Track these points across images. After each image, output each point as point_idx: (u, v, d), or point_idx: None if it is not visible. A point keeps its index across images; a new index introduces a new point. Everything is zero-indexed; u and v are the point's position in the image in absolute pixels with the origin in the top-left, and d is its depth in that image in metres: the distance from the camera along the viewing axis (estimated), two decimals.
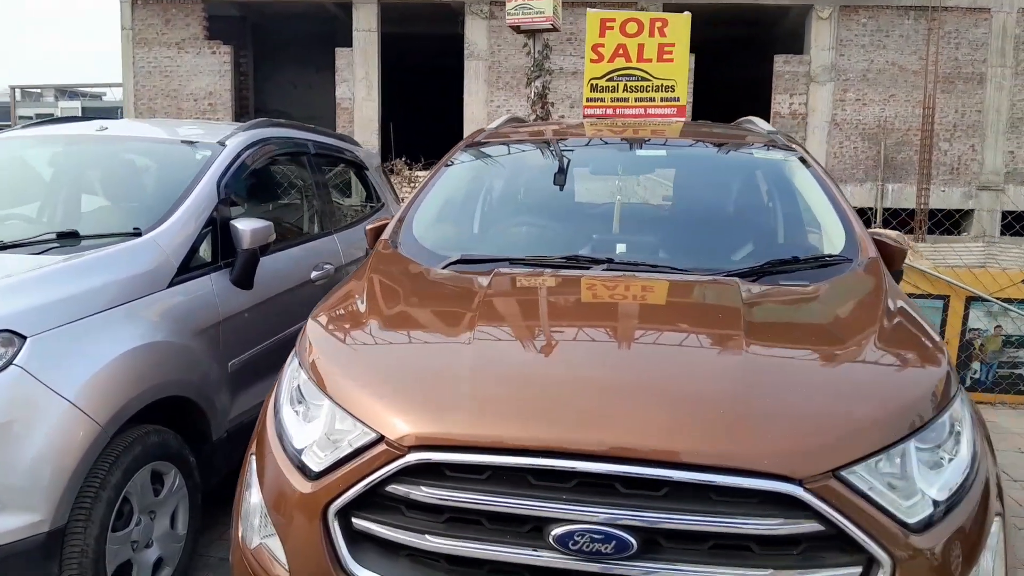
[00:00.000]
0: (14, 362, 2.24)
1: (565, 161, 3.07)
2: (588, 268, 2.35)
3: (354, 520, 1.63)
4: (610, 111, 4.12)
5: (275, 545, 1.73)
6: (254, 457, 1.95)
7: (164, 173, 3.44)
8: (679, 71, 4.06)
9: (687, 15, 4.16)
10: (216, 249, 3.19)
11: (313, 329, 2.04)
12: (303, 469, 1.72)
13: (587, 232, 2.72)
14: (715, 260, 2.48)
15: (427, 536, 1.57)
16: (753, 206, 2.96)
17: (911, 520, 1.53)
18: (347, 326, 2.04)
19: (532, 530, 1.53)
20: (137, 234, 2.93)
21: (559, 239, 2.69)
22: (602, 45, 4.08)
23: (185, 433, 2.86)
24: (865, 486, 1.51)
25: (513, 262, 2.42)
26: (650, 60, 4.03)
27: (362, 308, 2.10)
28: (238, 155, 3.49)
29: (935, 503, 1.59)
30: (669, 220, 2.93)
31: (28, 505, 2.21)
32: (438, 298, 2.22)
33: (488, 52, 18.50)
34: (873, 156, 16.71)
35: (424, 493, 1.57)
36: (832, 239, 2.62)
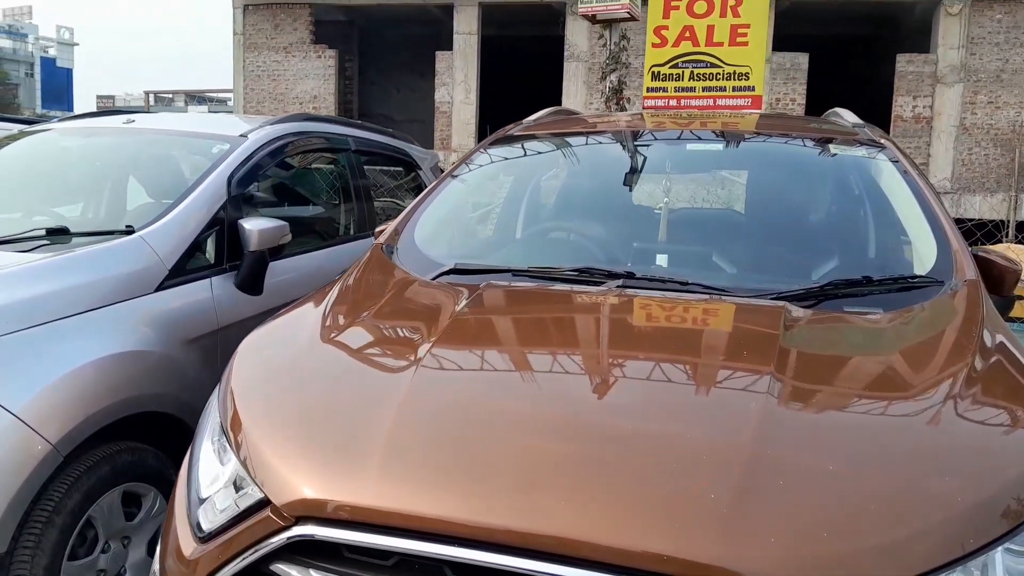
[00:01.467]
0: None
1: (603, 158, 2.64)
2: (600, 284, 1.91)
3: None
4: (673, 102, 3.61)
5: None
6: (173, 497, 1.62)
7: (175, 167, 3.22)
8: (755, 56, 3.50)
9: None
10: (222, 250, 2.94)
11: (244, 350, 1.71)
12: (196, 525, 1.38)
13: (611, 240, 2.27)
14: (765, 278, 1.99)
15: None
16: (824, 213, 2.44)
17: None
18: (281, 349, 1.70)
19: None
20: (129, 232, 2.70)
21: (579, 248, 2.26)
22: (666, 28, 3.57)
23: (169, 451, 2.61)
24: None
25: (516, 274, 2.02)
26: (721, 44, 3.49)
27: (308, 327, 1.75)
28: (257, 150, 3.24)
29: None
30: (716, 229, 2.45)
31: None
32: (403, 316, 1.84)
33: (588, 53, 18.13)
34: (1006, 164, 15.27)
35: None
36: (921, 256, 2.09)
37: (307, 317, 1.85)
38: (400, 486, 1.20)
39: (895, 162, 2.46)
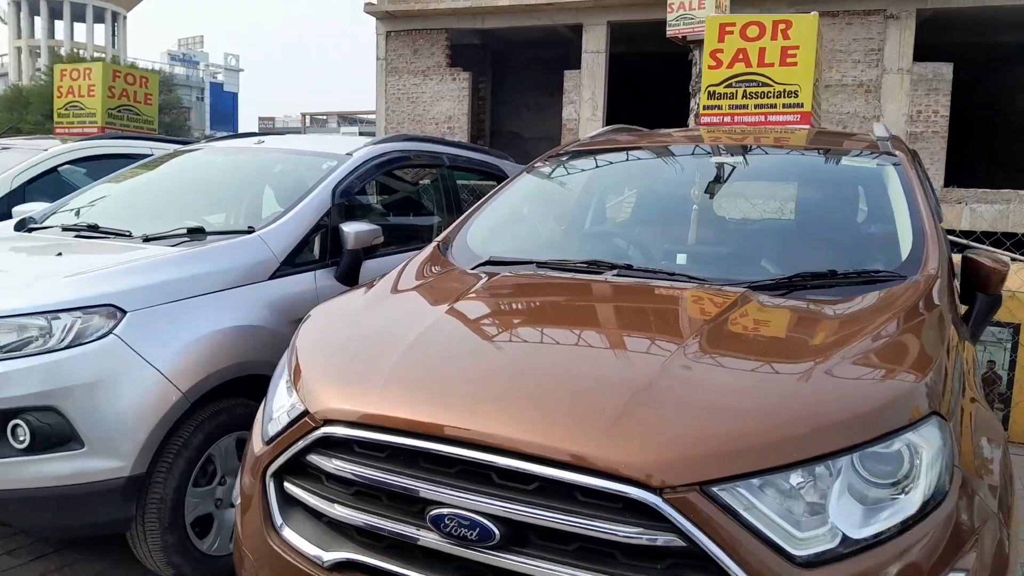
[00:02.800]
0: (113, 332, 2.69)
1: (638, 171, 3.03)
2: (600, 273, 2.33)
3: (286, 484, 1.80)
4: (727, 119, 3.93)
5: (236, 501, 1.95)
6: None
7: (296, 179, 3.87)
8: (804, 75, 3.76)
9: (814, 15, 3.86)
10: (325, 248, 3.54)
11: (309, 316, 2.25)
12: (263, 434, 1.93)
13: (628, 240, 2.67)
14: (745, 271, 2.34)
15: (336, 506, 1.70)
16: (820, 216, 2.72)
17: (798, 552, 1.39)
18: (339, 311, 2.23)
19: (417, 509, 1.60)
20: (250, 232, 3.35)
21: (599, 245, 2.67)
22: (720, 51, 3.91)
23: None
24: (740, 506, 1.40)
25: (539, 265, 2.47)
26: (772, 64, 3.78)
27: (365, 295, 2.29)
28: (360, 166, 3.84)
29: (845, 540, 1.42)
30: (724, 230, 2.79)
31: (110, 453, 2.63)
32: (434, 292, 2.33)
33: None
34: None
35: (335, 466, 1.70)
36: (895, 254, 2.36)
37: (360, 294, 2.38)
38: (393, 401, 1.68)
39: (898, 173, 2.71)
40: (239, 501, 1.99)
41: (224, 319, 3.00)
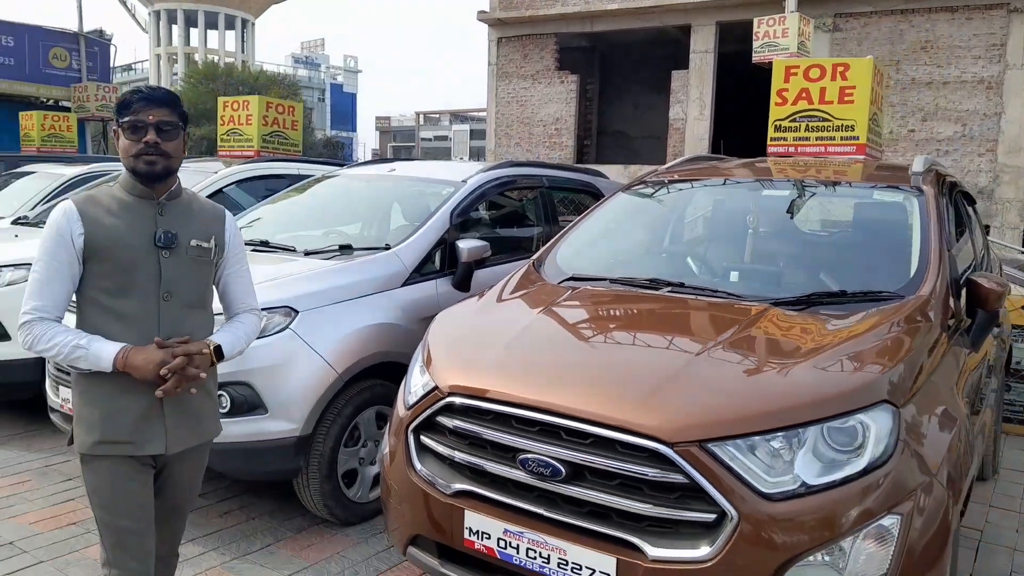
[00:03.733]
0: (290, 327, 3.57)
1: (706, 199, 3.67)
2: (657, 289, 3.01)
3: (422, 437, 2.58)
4: (792, 149, 4.46)
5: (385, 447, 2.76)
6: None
7: (420, 204, 4.69)
8: (859, 112, 4.26)
9: (870, 59, 4.32)
10: (444, 261, 4.35)
11: (438, 316, 3.04)
12: (406, 402, 2.72)
13: (684, 261, 3.33)
14: (775, 289, 2.97)
15: (456, 452, 2.47)
16: (847, 243, 3.29)
17: (768, 491, 2.04)
18: (458, 314, 3.01)
19: (510, 456, 2.34)
20: (387, 248, 4.20)
21: (661, 265, 3.34)
22: (786, 90, 4.45)
23: None
24: (727, 457, 2.06)
25: (612, 281, 3.17)
26: (831, 102, 4.29)
27: (477, 303, 3.06)
28: (473, 191, 4.64)
29: (804, 484, 2.06)
30: (767, 253, 3.39)
31: (287, 417, 3.51)
32: (531, 299, 3.07)
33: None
34: None
35: (455, 425, 2.47)
36: (901, 277, 2.92)
37: (473, 302, 3.15)
38: (496, 381, 2.43)
39: (920, 206, 3.24)
40: (387, 451, 2.79)
41: (368, 318, 3.84)
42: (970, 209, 4.53)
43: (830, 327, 2.60)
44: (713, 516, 2.06)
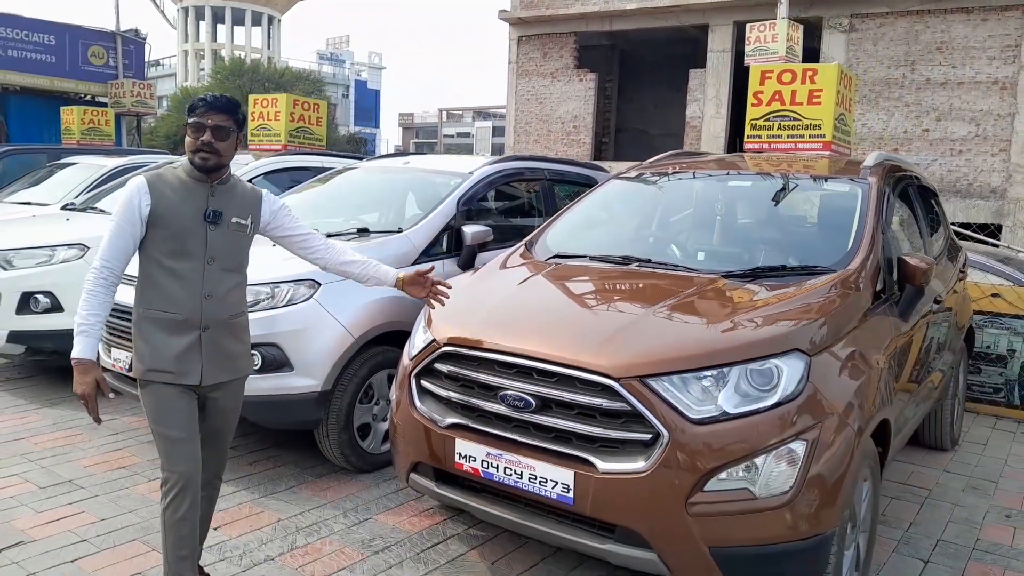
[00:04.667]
0: (313, 297, 4.11)
1: (681, 188, 4.17)
2: (626, 264, 3.51)
3: (422, 381, 3.11)
4: (766, 146, 4.93)
5: (393, 396, 3.28)
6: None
7: (431, 193, 5.20)
8: (826, 112, 4.71)
9: (835, 64, 4.76)
10: (451, 243, 4.87)
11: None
12: (409, 355, 3.24)
13: (656, 242, 3.83)
14: (727, 264, 3.46)
15: (450, 392, 2.99)
16: (796, 226, 3.77)
17: (693, 416, 2.54)
18: (457, 283, 3.53)
19: (492, 393, 2.86)
20: (399, 232, 4.72)
21: (635, 245, 3.85)
22: (761, 91, 4.91)
23: None
24: (662, 389, 2.56)
25: (591, 258, 3.67)
26: (801, 104, 4.75)
27: (472, 276, 3.59)
28: (479, 181, 5.15)
29: (724, 412, 2.55)
30: (725, 235, 3.88)
31: (310, 375, 4.04)
32: (517, 274, 3.58)
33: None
34: None
35: (449, 370, 2.99)
36: (836, 255, 3.39)
37: (469, 275, 3.68)
38: (483, 334, 2.94)
39: (862, 194, 3.70)
40: (394, 397, 3.31)
41: (382, 291, 4.35)
42: (932, 201, 4.97)
43: (766, 293, 3.08)
44: (649, 436, 2.56)
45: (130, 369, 2.84)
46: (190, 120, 2.63)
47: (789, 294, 3.05)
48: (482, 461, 2.85)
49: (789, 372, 2.65)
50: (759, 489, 2.53)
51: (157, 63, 72.01)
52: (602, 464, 2.61)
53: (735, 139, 19.18)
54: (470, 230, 4.77)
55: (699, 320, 2.88)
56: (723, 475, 2.53)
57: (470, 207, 5.08)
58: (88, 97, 16.88)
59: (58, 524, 3.64)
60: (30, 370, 6.30)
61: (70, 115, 12.20)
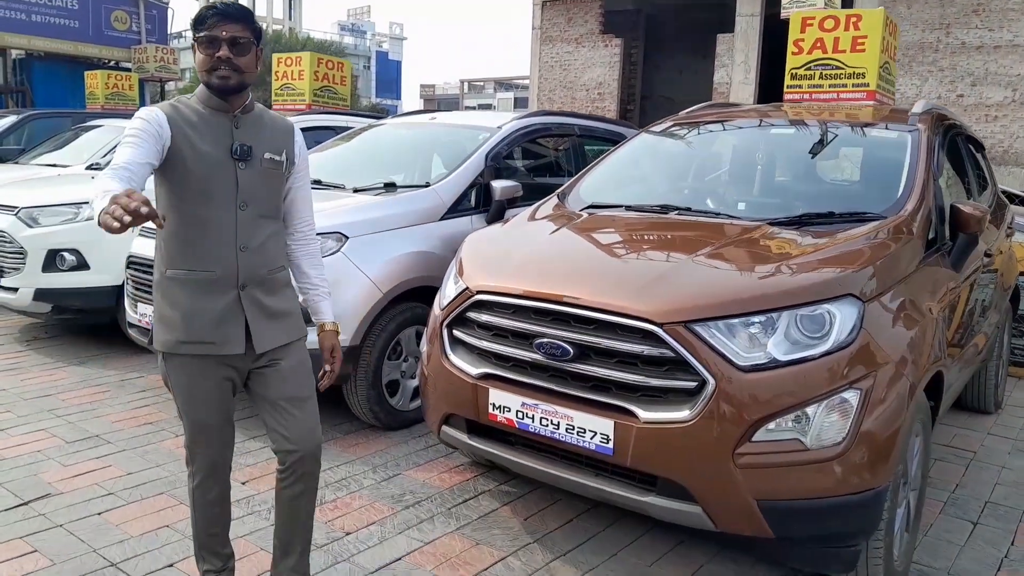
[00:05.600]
0: (341, 250, 4.01)
1: (719, 138, 4.00)
2: (665, 213, 3.37)
3: (454, 331, 3.00)
4: (807, 96, 4.73)
5: (424, 348, 3.19)
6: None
7: (458, 148, 5.07)
8: (870, 60, 4.49)
9: (880, 10, 4.53)
10: (479, 199, 4.74)
11: (473, 233, 3.44)
12: (440, 305, 3.14)
13: (695, 192, 3.67)
14: (771, 212, 3.30)
15: (483, 341, 2.88)
16: (840, 176, 3.59)
17: (741, 363, 2.41)
18: (486, 234, 3.42)
19: (527, 341, 2.74)
20: (427, 186, 4.60)
21: (673, 195, 3.70)
22: (802, 39, 4.69)
23: None
24: (707, 335, 2.43)
25: (627, 208, 3.53)
26: (844, 51, 4.53)
27: (504, 226, 3.46)
28: (507, 136, 5.01)
29: (774, 359, 2.42)
30: (767, 185, 3.71)
31: (340, 329, 3.95)
32: (550, 223, 3.45)
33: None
34: None
35: (483, 319, 2.88)
36: (886, 200, 3.23)
37: (499, 225, 3.55)
38: (516, 281, 2.82)
39: (912, 141, 3.52)
40: (425, 349, 3.22)
41: (410, 246, 4.27)
42: (978, 155, 4.76)
43: (814, 239, 2.94)
44: (694, 384, 2.44)
45: (151, 342, 2.38)
46: (199, 34, 2.15)
47: (840, 239, 2.90)
48: (517, 411, 2.75)
49: (842, 318, 2.51)
50: (810, 440, 2.40)
51: (180, 35, 72.02)
52: (644, 413, 2.49)
53: None
54: (499, 185, 4.65)
55: (746, 264, 2.74)
56: (772, 425, 2.41)
57: (498, 163, 4.94)
58: (112, 63, 16.84)
59: (85, 477, 3.60)
60: (57, 329, 6.29)
61: (94, 80, 12.15)
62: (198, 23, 2.16)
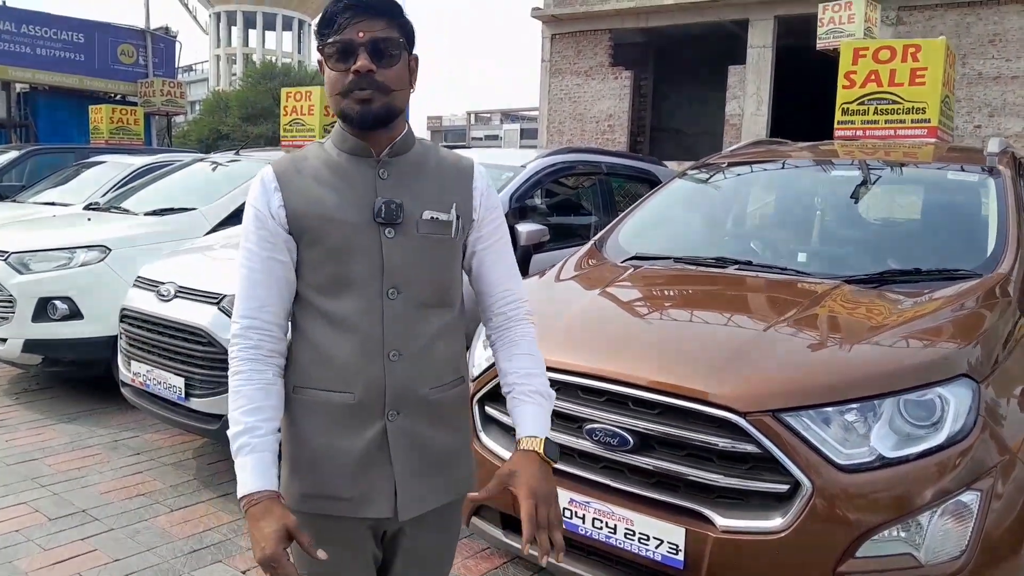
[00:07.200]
0: None
1: (771, 181, 3.62)
2: (724, 267, 2.97)
3: (486, 407, 2.60)
4: (860, 132, 4.36)
5: None
6: None
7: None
8: (931, 94, 4.13)
9: (942, 39, 4.19)
10: None
11: None
12: (470, 375, 2.74)
13: (750, 242, 3.28)
14: (845, 268, 2.91)
15: None
16: (922, 223, 3.20)
17: (842, 462, 2.00)
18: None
19: (576, 426, 2.34)
20: None
21: (726, 246, 3.30)
22: (854, 72, 4.34)
23: None
24: (800, 427, 2.02)
25: (676, 260, 3.14)
26: (902, 84, 4.17)
27: (539, 281, 3.07)
28: (532, 175, 4.65)
29: (881, 457, 2.01)
30: (837, 234, 3.32)
31: None
32: (591, 279, 3.06)
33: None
34: None
35: None
36: (977, 255, 2.83)
37: (535, 280, 3.16)
38: (561, 353, 2.42)
39: (996, 186, 3.14)
40: None
41: None
42: None
43: (904, 303, 2.54)
44: (786, 487, 2.03)
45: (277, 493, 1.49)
46: (329, 40, 1.48)
47: (935, 305, 2.49)
48: (564, 509, 2.33)
49: (956, 404, 2.10)
50: (924, 554, 1.99)
51: (190, 68, 72.72)
52: (722, 520, 2.08)
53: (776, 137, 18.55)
54: (525, 229, 4.26)
55: (835, 338, 2.33)
56: (878, 536, 1.99)
57: (523, 203, 4.57)
58: (118, 96, 16.66)
59: (66, 566, 3.18)
60: (47, 381, 5.89)
61: (98, 114, 11.90)
62: (325, 24, 1.49)
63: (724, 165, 3.90)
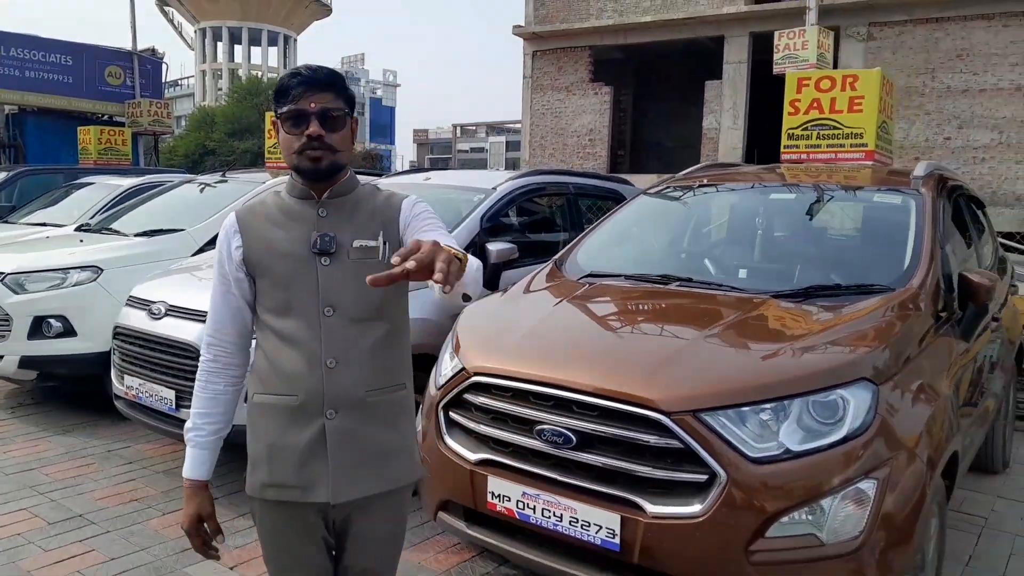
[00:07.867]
0: None
1: (716, 202, 3.94)
2: (667, 284, 3.28)
3: (450, 413, 2.89)
4: (804, 156, 4.71)
5: (419, 427, 3.06)
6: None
7: (453, 210, 5.01)
8: (868, 120, 4.49)
9: (877, 71, 4.54)
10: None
11: (468, 307, 3.34)
12: (436, 384, 3.03)
13: (695, 260, 3.60)
14: (775, 283, 3.23)
15: (480, 425, 2.77)
16: (842, 243, 3.53)
17: (753, 455, 2.30)
18: (484, 307, 3.31)
19: (528, 427, 2.63)
20: None
21: (673, 263, 3.62)
22: (798, 100, 4.70)
23: None
24: (718, 425, 2.33)
25: (627, 277, 3.45)
26: (841, 111, 4.53)
27: (502, 297, 3.37)
28: (502, 197, 4.95)
29: (788, 451, 2.32)
30: (769, 252, 3.64)
31: None
32: (549, 295, 3.36)
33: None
34: None
35: (479, 401, 2.77)
36: (893, 271, 3.15)
37: (498, 297, 3.46)
38: (516, 362, 2.72)
39: (916, 207, 3.47)
40: (420, 429, 3.09)
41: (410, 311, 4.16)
42: (978, 212, 4.72)
43: (822, 315, 2.85)
44: (705, 477, 2.33)
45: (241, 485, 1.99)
46: (282, 110, 1.77)
47: (848, 316, 2.81)
48: (517, 501, 2.63)
49: (856, 403, 2.41)
50: (826, 534, 2.29)
51: (175, 83, 72.75)
52: (651, 507, 2.38)
53: (753, 150, 18.95)
54: (495, 247, 4.56)
55: (754, 346, 2.65)
56: (786, 519, 2.30)
57: (494, 223, 4.88)
58: (105, 117, 16.89)
59: (66, 565, 3.44)
60: (42, 396, 6.14)
61: (87, 135, 12.15)
62: (280, 95, 1.79)
63: (678, 187, 4.22)
